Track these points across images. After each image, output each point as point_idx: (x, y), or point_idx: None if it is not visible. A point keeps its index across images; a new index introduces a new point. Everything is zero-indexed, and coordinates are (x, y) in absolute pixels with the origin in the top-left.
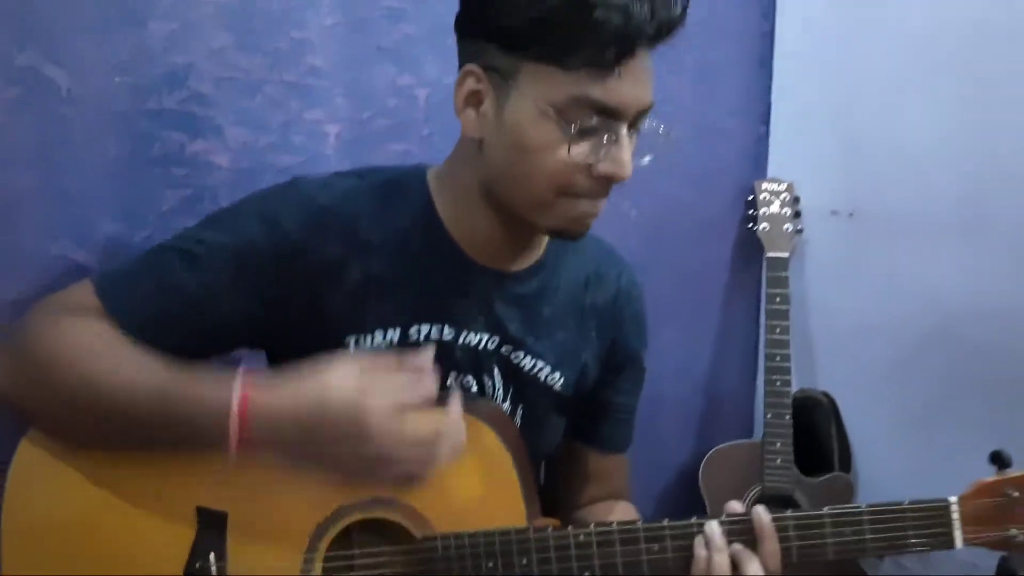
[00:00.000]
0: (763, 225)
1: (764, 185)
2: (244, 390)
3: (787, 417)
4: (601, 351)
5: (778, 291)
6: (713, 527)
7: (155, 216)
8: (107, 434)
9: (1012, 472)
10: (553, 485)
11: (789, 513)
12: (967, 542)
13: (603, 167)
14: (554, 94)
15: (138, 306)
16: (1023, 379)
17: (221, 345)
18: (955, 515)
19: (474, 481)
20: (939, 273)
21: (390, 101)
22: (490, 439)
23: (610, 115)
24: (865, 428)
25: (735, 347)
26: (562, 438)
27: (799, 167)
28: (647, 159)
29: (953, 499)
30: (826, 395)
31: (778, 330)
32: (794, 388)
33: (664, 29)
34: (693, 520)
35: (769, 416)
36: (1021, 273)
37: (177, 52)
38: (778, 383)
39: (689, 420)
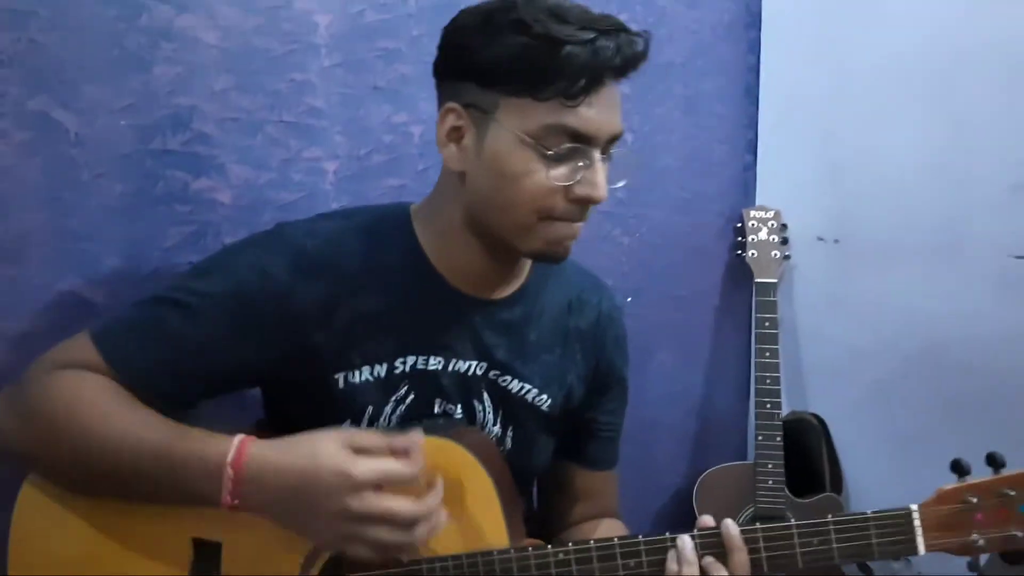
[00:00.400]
0: (751, 252)
1: (752, 213)
2: (241, 446)
3: (778, 439)
4: (586, 372)
5: (767, 316)
6: (685, 541)
7: (159, 252)
8: (109, 487)
9: (971, 479)
10: (545, 505)
11: (758, 526)
12: (930, 548)
13: (579, 190)
14: (530, 123)
15: (137, 358)
16: (1008, 399)
17: (218, 390)
18: (917, 522)
19: (458, 506)
20: (923, 296)
21: (386, 138)
22: (473, 466)
23: (583, 141)
24: (856, 449)
25: (727, 371)
26: (552, 458)
27: (786, 195)
28: (621, 183)
29: (915, 507)
30: (816, 417)
31: (767, 354)
32: (785, 411)
33: (629, 62)
34: (667, 535)
35: (760, 439)
36: (1003, 295)
37: (181, 95)
38: (768, 406)
39: (683, 443)
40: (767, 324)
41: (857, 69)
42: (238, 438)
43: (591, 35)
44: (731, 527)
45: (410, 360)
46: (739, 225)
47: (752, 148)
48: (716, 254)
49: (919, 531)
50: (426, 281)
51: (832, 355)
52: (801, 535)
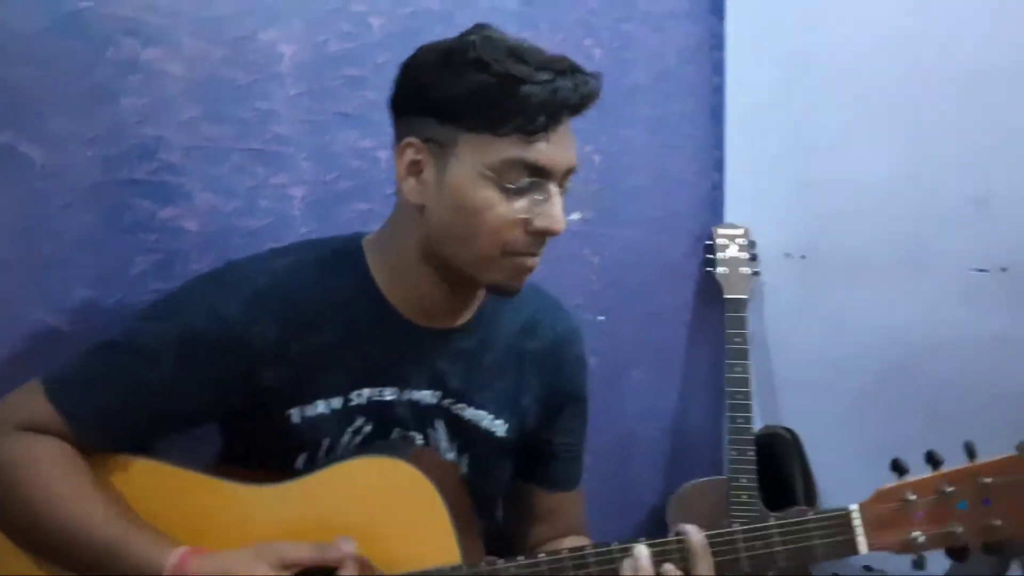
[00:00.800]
0: (721, 268)
1: (720, 230)
2: (182, 560)
3: (751, 454)
4: (542, 394)
5: (737, 331)
6: (641, 550)
7: (127, 280)
8: (55, 562)
9: (910, 478)
10: (509, 526)
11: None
12: (872, 547)
13: (539, 222)
14: (490, 158)
15: (88, 407)
16: (973, 408)
17: (173, 431)
18: (857, 522)
19: (406, 524)
20: (890, 310)
21: (353, 163)
22: (423, 485)
23: (541, 175)
24: (829, 461)
25: (700, 387)
26: (513, 480)
27: (754, 212)
28: (577, 216)
29: (854, 506)
30: (789, 431)
31: (738, 369)
32: (759, 425)
33: (585, 100)
34: (614, 545)
35: (733, 453)
36: (968, 307)
37: (148, 125)
38: (740, 421)
39: (658, 459)
40: (737, 340)
41: (821, 88)
42: (181, 550)
43: (549, 75)
44: (694, 533)
45: (366, 392)
46: (709, 242)
47: (720, 167)
48: (687, 271)
49: (859, 530)
50: (379, 314)
51: (803, 369)
52: (746, 539)
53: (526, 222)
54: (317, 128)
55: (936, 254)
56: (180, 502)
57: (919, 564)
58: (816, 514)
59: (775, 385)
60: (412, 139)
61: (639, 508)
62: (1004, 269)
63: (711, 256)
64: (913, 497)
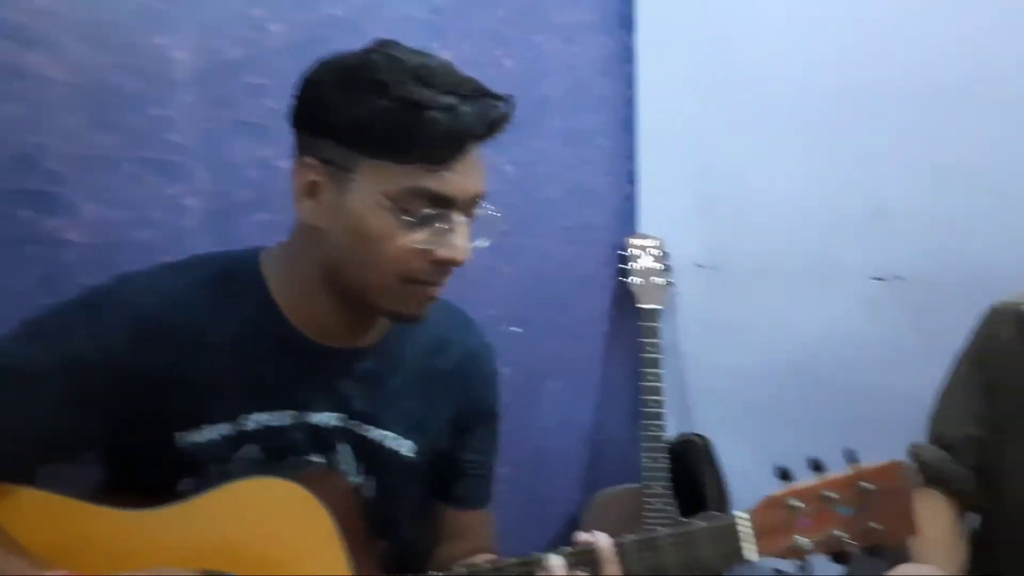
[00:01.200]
0: (635, 279)
1: (634, 241)
2: None
3: (663, 461)
4: (452, 413)
5: (650, 341)
6: (552, 559)
7: (11, 295)
8: None
9: (794, 485)
10: (420, 546)
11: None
12: (760, 553)
13: (441, 253)
14: (390, 186)
15: None
16: (873, 413)
17: (55, 459)
18: (744, 530)
19: (293, 545)
20: (795, 318)
21: (252, 173)
22: (311, 505)
23: (445, 205)
24: (740, 466)
25: (617, 396)
26: (424, 500)
27: (666, 223)
28: (485, 243)
29: (742, 514)
30: (700, 437)
31: (651, 378)
32: (674, 433)
33: (492, 127)
34: (514, 560)
35: (647, 461)
36: (866, 314)
37: (30, 133)
38: (654, 429)
39: (575, 470)
40: (651, 349)
41: (729, 102)
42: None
43: (453, 100)
44: (602, 540)
45: (258, 417)
46: (623, 253)
47: (632, 178)
48: (602, 282)
49: (747, 537)
50: (278, 335)
51: (716, 377)
52: (639, 549)
53: (428, 252)
54: (214, 137)
55: (837, 264)
56: (62, 530)
57: (804, 569)
58: (704, 523)
59: (689, 393)
60: (310, 159)
61: (557, 519)
62: (900, 278)
63: (625, 266)
64: (798, 504)
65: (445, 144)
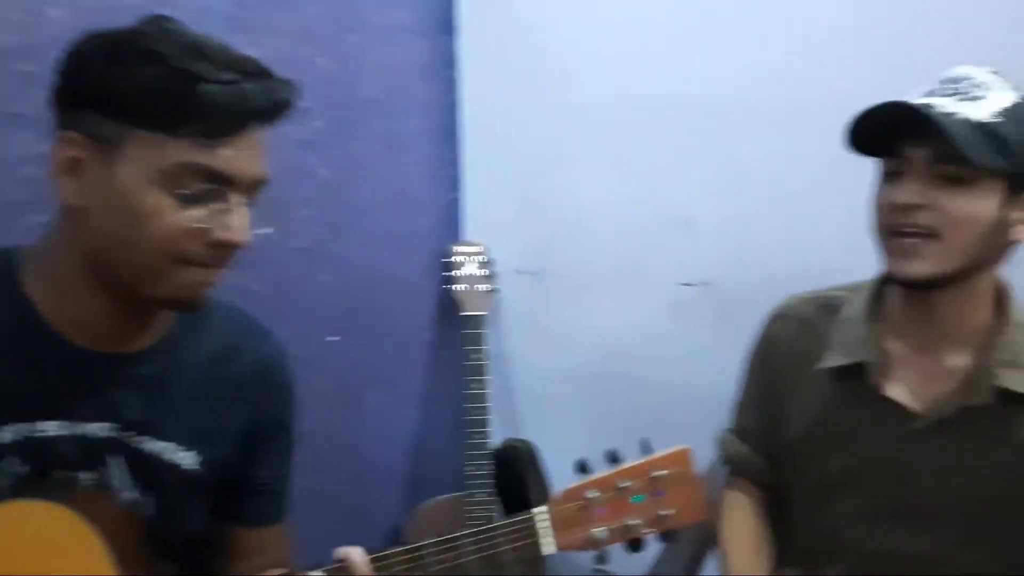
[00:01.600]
0: (459, 286)
1: (458, 248)
2: None
3: (486, 468)
4: (242, 424)
5: (475, 348)
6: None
7: None
8: None
9: (592, 476)
10: (211, 566)
11: (390, 550)
12: (560, 547)
13: (219, 234)
14: (163, 161)
15: None
16: (681, 411)
17: None
18: (542, 524)
19: (60, 571)
20: (611, 321)
21: (25, 170)
22: (82, 531)
23: (223, 182)
24: (566, 468)
25: (441, 405)
26: (214, 516)
27: (490, 230)
28: (268, 230)
29: (539, 509)
30: (524, 442)
31: (475, 385)
32: (500, 439)
33: (276, 109)
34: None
35: (470, 469)
36: (676, 318)
37: None
38: (477, 436)
39: (400, 481)
40: (475, 356)
41: (549, 110)
42: None
43: (234, 76)
44: (354, 555)
45: (18, 428)
46: (447, 260)
47: (456, 185)
48: (426, 289)
49: (545, 532)
50: (37, 339)
51: (538, 381)
52: (437, 552)
53: (203, 232)
54: None
55: (649, 270)
56: None
57: (601, 559)
58: (503, 520)
59: (514, 398)
60: (72, 133)
61: (380, 532)
62: (707, 284)
63: (449, 274)
64: (595, 494)
65: (224, 118)
